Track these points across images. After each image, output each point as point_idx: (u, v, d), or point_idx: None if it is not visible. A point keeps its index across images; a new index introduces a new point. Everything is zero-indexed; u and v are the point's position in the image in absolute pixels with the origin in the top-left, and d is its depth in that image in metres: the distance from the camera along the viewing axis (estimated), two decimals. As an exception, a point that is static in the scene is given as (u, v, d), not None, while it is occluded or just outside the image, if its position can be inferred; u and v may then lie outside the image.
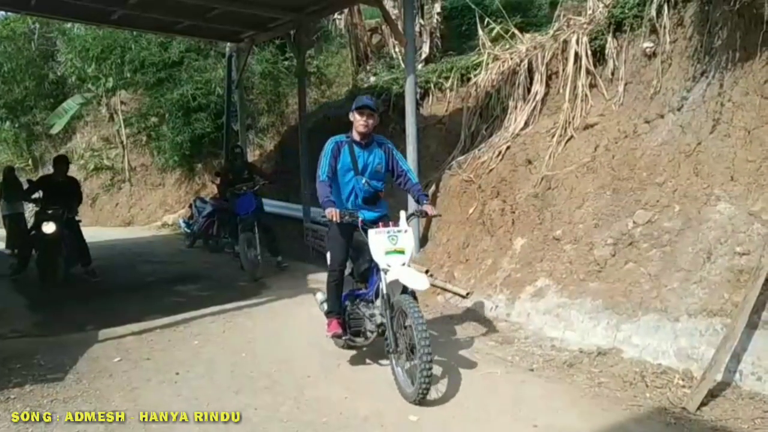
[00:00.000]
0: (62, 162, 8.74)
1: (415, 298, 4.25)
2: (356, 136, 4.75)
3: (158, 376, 4.77)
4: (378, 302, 4.55)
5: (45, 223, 8.02)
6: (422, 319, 3.97)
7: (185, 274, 9.21)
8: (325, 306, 5.03)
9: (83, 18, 11.73)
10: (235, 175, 9.27)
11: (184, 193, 17.18)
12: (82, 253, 8.66)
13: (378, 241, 4.34)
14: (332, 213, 4.36)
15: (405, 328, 4.18)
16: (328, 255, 4.94)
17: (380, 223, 4.48)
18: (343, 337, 4.85)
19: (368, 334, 4.71)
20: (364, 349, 4.97)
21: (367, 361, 5.01)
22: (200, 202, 12.58)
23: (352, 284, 5.01)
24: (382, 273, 4.35)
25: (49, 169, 19.93)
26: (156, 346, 5.56)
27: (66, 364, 4.99)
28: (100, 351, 5.41)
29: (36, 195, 8.67)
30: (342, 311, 4.89)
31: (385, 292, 4.33)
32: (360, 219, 4.48)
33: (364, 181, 4.74)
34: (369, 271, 4.74)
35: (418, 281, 4.20)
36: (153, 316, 6.50)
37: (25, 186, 9.33)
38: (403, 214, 4.57)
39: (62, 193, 8.36)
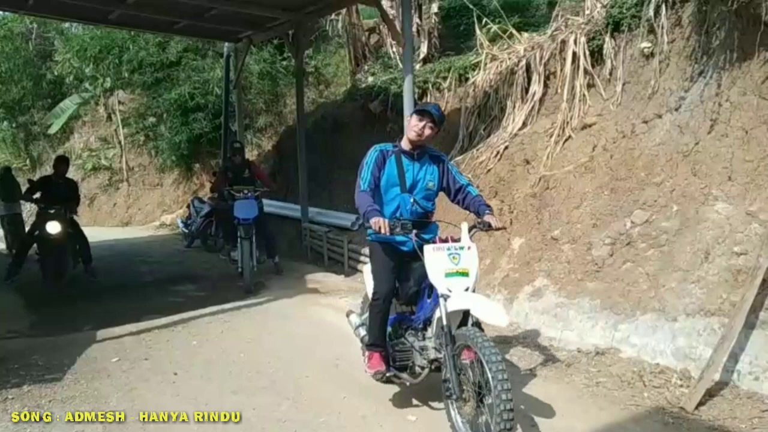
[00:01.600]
0: (62, 162, 8.66)
1: (481, 329, 3.44)
2: (406, 145, 3.99)
3: (156, 377, 4.76)
4: (430, 331, 3.80)
5: (50, 223, 7.88)
6: (502, 363, 3.11)
7: (183, 275, 9.21)
8: (362, 332, 4.34)
9: (81, 18, 11.71)
10: (234, 174, 8.61)
11: (182, 193, 17.17)
12: (84, 253, 8.61)
13: (436, 259, 3.54)
14: (379, 223, 3.52)
15: (471, 369, 3.37)
16: (369, 279, 4.17)
17: (437, 238, 3.71)
18: (387, 374, 4.00)
19: (417, 370, 3.90)
20: (408, 384, 4.05)
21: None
22: (198, 202, 12.58)
23: (395, 305, 4.15)
24: (441, 300, 3.48)
25: (48, 169, 20.00)
26: (154, 347, 5.55)
27: (64, 364, 4.98)
28: (98, 351, 5.40)
29: (36, 195, 8.53)
30: (385, 342, 4.05)
31: (445, 323, 3.45)
32: (414, 232, 3.65)
33: (412, 200, 3.93)
34: (418, 293, 3.98)
35: (495, 314, 3.37)
36: (151, 316, 6.49)
37: (24, 186, 9.29)
38: (465, 226, 3.70)
39: (61, 194, 8.28)
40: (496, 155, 7.64)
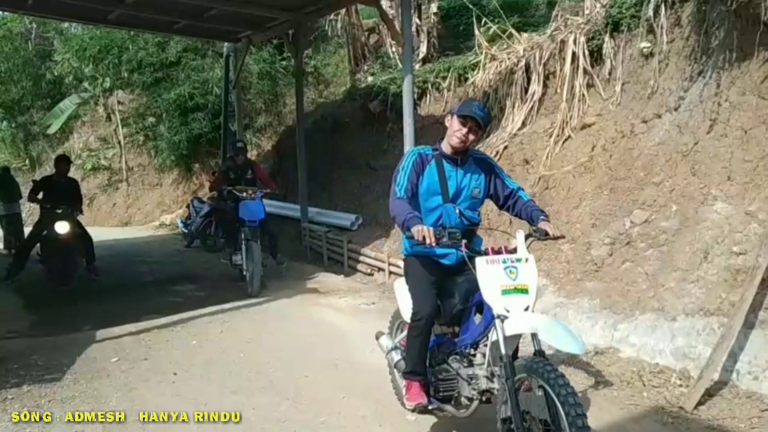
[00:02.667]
0: (63, 162, 8.57)
1: (544, 356, 2.91)
2: (447, 149, 3.51)
3: (156, 377, 4.76)
4: (479, 357, 3.28)
5: (59, 223, 7.75)
6: (581, 407, 2.63)
7: (183, 274, 9.21)
8: (395, 357, 3.76)
9: (81, 18, 11.71)
10: (237, 174, 8.21)
11: (182, 193, 17.17)
12: (88, 251, 8.52)
13: (491, 274, 3.00)
14: (423, 232, 2.99)
15: (535, 404, 2.86)
16: (404, 297, 3.62)
17: (488, 249, 3.15)
18: (429, 406, 3.45)
19: (464, 401, 3.35)
20: (451, 417, 3.51)
21: (367, 363, 5.01)
22: (198, 202, 12.58)
23: (434, 326, 3.52)
24: (497, 322, 2.95)
25: (47, 169, 19.99)
26: (153, 347, 5.55)
27: (63, 364, 4.98)
28: (98, 351, 5.40)
29: (39, 196, 8.42)
30: (425, 369, 3.48)
31: (503, 350, 2.91)
32: (465, 242, 3.10)
33: (457, 210, 3.43)
34: (463, 312, 3.41)
35: (569, 340, 2.86)
36: (150, 316, 6.49)
37: (23, 186, 9.26)
38: (520, 234, 3.16)
39: (63, 194, 8.17)
40: (495, 155, 7.63)
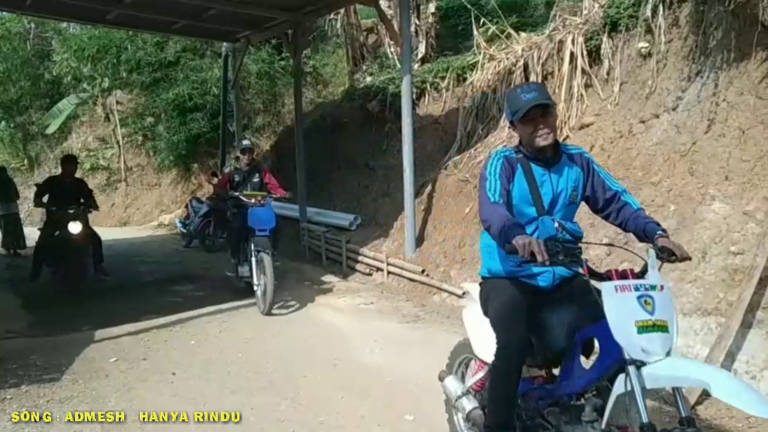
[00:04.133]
0: (69, 162, 8.38)
1: (693, 424, 2.17)
2: (532, 152, 2.81)
3: (155, 377, 4.77)
4: (588, 411, 2.54)
5: (72, 223, 7.58)
6: None
7: (181, 275, 9.21)
8: (467, 405, 3.06)
9: (79, 18, 11.71)
10: (243, 178, 7.54)
11: (181, 193, 17.16)
12: (96, 252, 8.29)
13: (623, 304, 2.28)
14: (531, 245, 2.32)
15: None
16: (478, 328, 2.96)
17: (612, 272, 2.43)
18: None
19: None
20: None
21: (366, 363, 5.02)
22: (196, 202, 12.59)
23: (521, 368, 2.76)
24: (631, 369, 2.22)
25: (46, 169, 19.97)
26: (152, 347, 5.56)
27: (62, 364, 4.98)
28: (97, 351, 5.40)
29: (45, 198, 8.13)
30: (514, 422, 2.77)
31: (641, 409, 2.17)
32: (586, 260, 2.45)
33: (556, 224, 2.76)
34: (565, 351, 2.66)
35: (755, 398, 2.02)
36: (149, 316, 6.50)
37: (20, 186, 9.22)
38: (652, 254, 2.47)
39: (70, 194, 8.00)
40: (494, 155, 7.64)
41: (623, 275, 2.42)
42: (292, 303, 7.15)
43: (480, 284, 3.03)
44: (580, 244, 2.53)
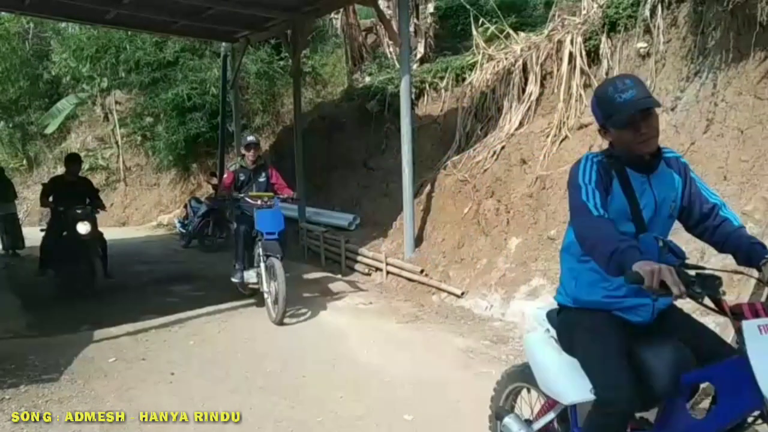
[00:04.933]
0: (74, 161, 8.18)
1: None
2: (628, 154, 2.30)
3: (153, 377, 4.77)
4: None
5: (81, 224, 7.36)
6: None
7: (180, 274, 9.20)
8: None
9: (78, 18, 11.69)
10: (248, 177, 7.03)
11: (180, 193, 17.16)
12: (104, 253, 8.05)
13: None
14: (661, 273, 1.85)
15: None
16: (551, 367, 2.51)
17: (744, 307, 1.98)
18: None
19: None
20: None
21: (365, 363, 5.02)
22: (195, 202, 12.60)
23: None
24: None
25: (45, 170, 19.94)
26: (151, 347, 5.56)
27: (61, 364, 4.98)
28: (95, 351, 5.40)
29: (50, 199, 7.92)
30: None
31: None
32: (723, 291, 2.01)
33: (660, 243, 2.26)
34: (666, 397, 2.23)
35: None
36: (148, 316, 6.49)
37: (18, 186, 9.17)
38: None
39: (75, 194, 7.79)
40: (492, 155, 7.65)
41: (755, 311, 1.97)
42: (290, 303, 7.02)
43: (558, 312, 2.60)
44: (717, 273, 2.04)
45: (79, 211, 7.55)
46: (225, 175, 6.94)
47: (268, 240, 6.47)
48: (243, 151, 7.13)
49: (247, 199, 6.73)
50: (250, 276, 6.87)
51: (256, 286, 6.80)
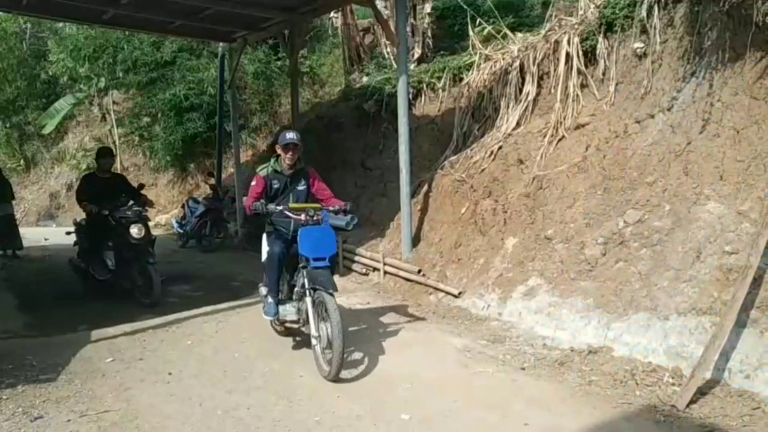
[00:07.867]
0: (106, 155, 7.52)
1: None
2: None
3: (151, 377, 4.77)
4: None
5: (133, 227, 6.87)
6: None
7: (178, 275, 9.19)
8: None
9: (75, 18, 11.67)
10: (283, 185, 5.46)
11: (177, 194, 17.16)
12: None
13: None
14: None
15: None
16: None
17: None
18: None
19: None
20: None
21: (363, 362, 5.02)
22: (193, 202, 12.58)
23: None
24: None
25: (43, 170, 19.89)
26: (149, 347, 5.55)
27: (58, 364, 4.98)
28: (93, 351, 5.40)
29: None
30: None
31: None
32: None
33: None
34: None
35: None
36: (145, 316, 6.50)
37: (16, 186, 9.10)
38: None
39: (110, 191, 7.24)
40: (490, 155, 7.66)
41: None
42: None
43: None
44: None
45: (129, 213, 6.99)
46: (253, 182, 5.39)
47: (316, 268, 4.83)
48: (279, 152, 5.44)
49: (288, 212, 5.12)
50: (288, 312, 5.29)
51: (295, 325, 5.40)
